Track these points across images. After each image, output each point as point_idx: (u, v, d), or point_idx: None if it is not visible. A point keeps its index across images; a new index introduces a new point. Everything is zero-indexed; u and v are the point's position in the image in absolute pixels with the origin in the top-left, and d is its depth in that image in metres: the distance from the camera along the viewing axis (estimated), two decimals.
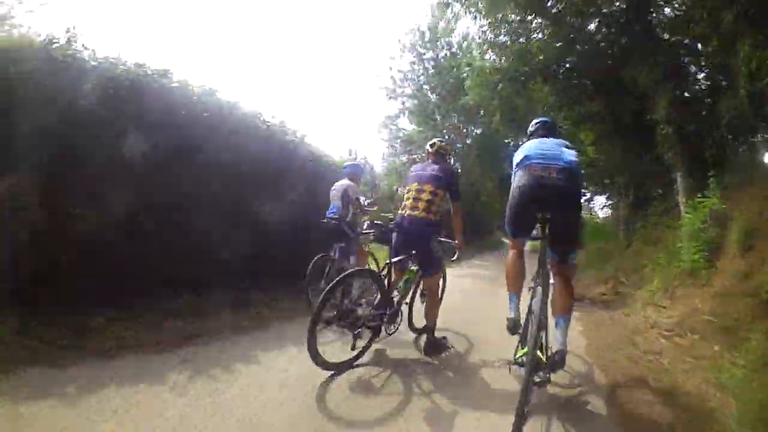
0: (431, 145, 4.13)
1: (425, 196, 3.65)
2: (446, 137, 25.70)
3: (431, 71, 24.20)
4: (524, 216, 2.81)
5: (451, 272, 5.53)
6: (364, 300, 3.55)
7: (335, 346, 3.63)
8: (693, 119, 6.84)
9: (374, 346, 3.73)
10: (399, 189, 12.30)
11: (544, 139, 3.04)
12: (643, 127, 8.48)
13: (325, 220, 5.45)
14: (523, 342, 2.71)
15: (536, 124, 3.41)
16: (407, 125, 27.00)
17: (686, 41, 7.57)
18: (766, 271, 4.22)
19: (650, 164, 9.19)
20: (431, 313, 3.84)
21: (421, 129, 25.88)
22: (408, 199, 3.72)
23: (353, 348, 3.39)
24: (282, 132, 6.76)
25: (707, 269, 5.12)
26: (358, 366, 3.43)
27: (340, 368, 3.24)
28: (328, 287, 3.17)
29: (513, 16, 9.90)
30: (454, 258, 3.88)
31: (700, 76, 7.99)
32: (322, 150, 8.16)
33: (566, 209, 2.73)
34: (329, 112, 72.15)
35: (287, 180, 6.37)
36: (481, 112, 22.18)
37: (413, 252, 3.69)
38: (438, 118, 24.42)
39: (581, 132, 13.91)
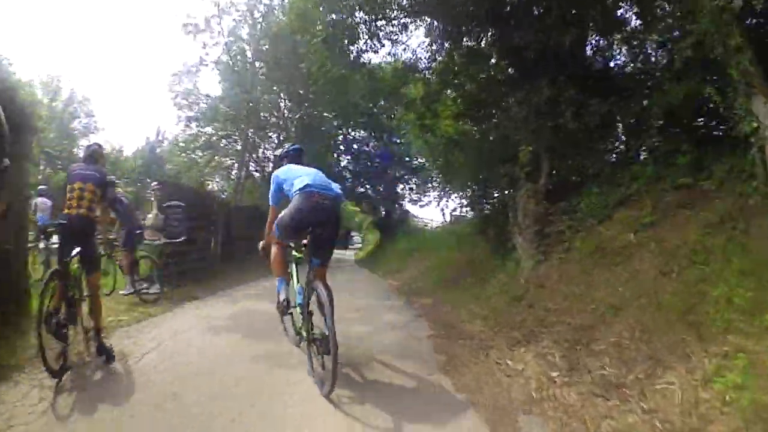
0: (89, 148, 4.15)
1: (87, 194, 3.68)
2: (264, 115, 20.02)
3: (258, 18, 18.10)
4: (301, 230, 3.52)
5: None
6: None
7: None
8: None
9: None
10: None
11: (315, 170, 3.70)
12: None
13: None
14: (300, 320, 3.61)
15: (292, 149, 4.13)
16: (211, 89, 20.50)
17: None
18: None
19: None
20: (98, 314, 3.78)
21: (224, 96, 19.84)
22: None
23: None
24: None
25: None
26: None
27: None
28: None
29: None
30: None
31: None
32: None
33: (334, 227, 3.51)
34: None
35: None
36: (311, 91, 17.25)
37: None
38: (253, 83, 18.22)
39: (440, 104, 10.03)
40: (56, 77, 45.42)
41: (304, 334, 3.46)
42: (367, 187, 26.81)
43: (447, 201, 15.49)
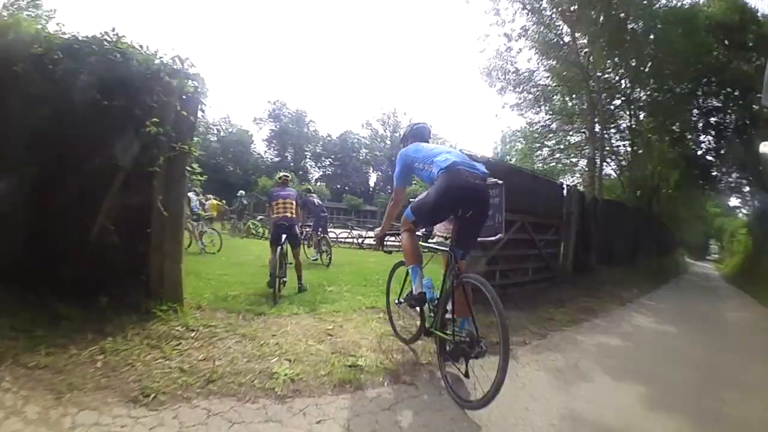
0: (280, 178, 6.79)
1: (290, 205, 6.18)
2: (594, 91, 16.03)
3: None
4: (445, 212, 3.20)
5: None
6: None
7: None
8: None
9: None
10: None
11: (453, 148, 3.56)
12: None
13: None
14: (432, 318, 3.16)
15: (417, 127, 3.81)
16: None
17: None
18: None
19: None
20: (299, 269, 6.15)
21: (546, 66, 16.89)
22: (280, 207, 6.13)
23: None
24: None
25: None
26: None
27: None
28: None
29: None
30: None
31: None
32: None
33: (484, 210, 3.18)
34: None
35: None
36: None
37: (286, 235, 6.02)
38: (574, 55, 14.96)
39: None
40: (392, 113, 57.65)
41: (440, 334, 3.05)
42: (734, 175, 18.79)
43: None
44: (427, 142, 3.69)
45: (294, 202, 6.13)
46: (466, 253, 3.20)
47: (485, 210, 3.20)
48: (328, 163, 59.33)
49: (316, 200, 10.66)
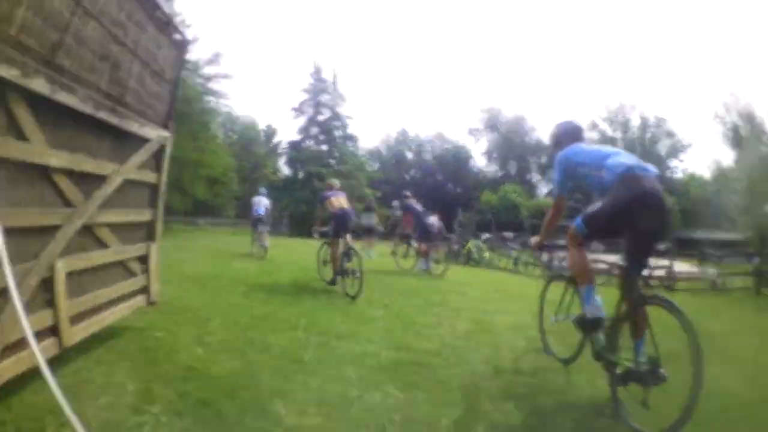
0: (331, 186, 7.26)
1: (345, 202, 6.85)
2: None
3: None
4: (622, 224, 2.72)
5: None
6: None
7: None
8: None
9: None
10: None
11: (614, 148, 3.09)
12: None
13: None
14: (603, 341, 2.82)
15: (573, 126, 3.39)
16: None
17: None
18: None
19: None
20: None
21: None
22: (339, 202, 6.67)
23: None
24: None
25: None
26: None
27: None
28: None
29: None
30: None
31: None
32: None
33: (666, 221, 2.74)
34: None
35: None
36: None
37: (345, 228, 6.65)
38: None
39: None
40: (618, 108, 44.43)
41: (614, 359, 2.68)
42: None
43: None
44: (583, 141, 3.32)
45: (346, 198, 6.81)
46: (642, 270, 2.81)
47: (667, 219, 2.78)
48: None
49: (420, 206, 10.14)
